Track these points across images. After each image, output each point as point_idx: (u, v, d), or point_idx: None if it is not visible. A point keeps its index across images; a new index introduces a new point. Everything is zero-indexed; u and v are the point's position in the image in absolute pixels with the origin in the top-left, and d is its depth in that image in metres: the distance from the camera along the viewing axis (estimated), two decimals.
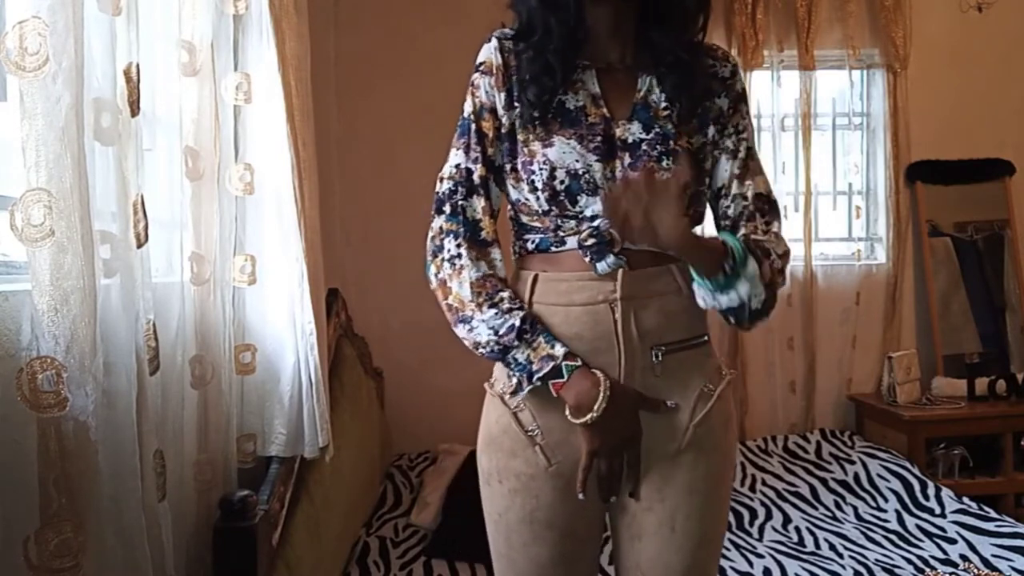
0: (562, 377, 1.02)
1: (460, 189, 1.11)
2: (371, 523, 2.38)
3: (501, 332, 1.04)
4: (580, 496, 1.06)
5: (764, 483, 2.79)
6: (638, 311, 1.07)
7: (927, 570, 2.06)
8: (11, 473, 0.89)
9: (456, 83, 3.18)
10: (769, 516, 2.52)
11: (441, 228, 1.11)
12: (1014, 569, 2.02)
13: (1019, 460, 3.02)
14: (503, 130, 1.12)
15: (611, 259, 1.06)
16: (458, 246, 1.09)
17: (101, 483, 0.97)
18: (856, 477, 2.77)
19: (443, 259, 1.10)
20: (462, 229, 1.09)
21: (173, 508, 1.22)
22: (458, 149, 1.13)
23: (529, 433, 1.09)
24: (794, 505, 2.61)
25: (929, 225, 3.38)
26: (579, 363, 1.03)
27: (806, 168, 3.29)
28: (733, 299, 1.03)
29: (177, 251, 1.35)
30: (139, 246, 1.10)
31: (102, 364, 0.98)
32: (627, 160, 1.06)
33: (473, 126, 1.12)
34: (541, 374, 1.03)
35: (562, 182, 1.06)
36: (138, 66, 1.11)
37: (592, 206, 1.06)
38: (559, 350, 1.03)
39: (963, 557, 2.15)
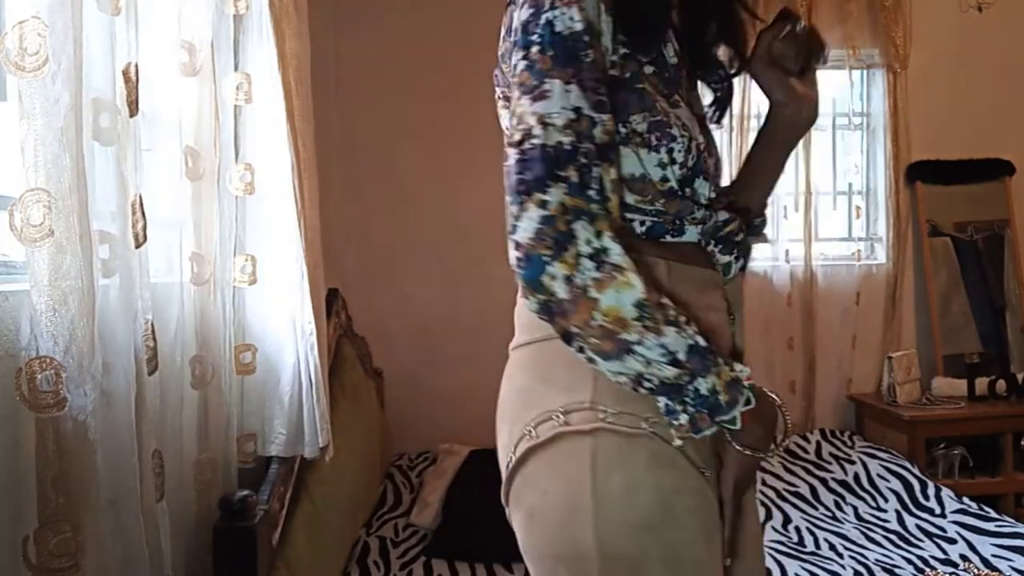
0: (750, 403, 0.77)
1: (587, 146, 0.74)
2: (371, 523, 2.38)
3: (682, 356, 0.73)
4: (728, 562, 0.83)
5: (764, 483, 2.78)
6: (736, 326, 0.89)
7: (927, 570, 2.05)
8: (9, 473, 0.89)
9: (457, 83, 3.19)
10: (769, 516, 2.52)
11: (563, 206, 0.72)
12: (1014, 569, 2.01)
13: (1019, 460, 3.02)
14: (608, 71, 0.78)
15: (741, 260, 0.89)
16: (598, 234, 0.72)
17: (99, 483, 0.97)
18: (856, 477, 2.77)
19: (578, 254, 0.71)
20: (601, 211, 0.74)
21: (173, 508, 1.22)
22: (568, 83, 0.73)
23: (701, 470, 0.80)
24: (794, 505, 2.61)
25: (929, 225, 3.38)
26: (753, 383, 0.78)
27: (806, 168, 3.29)
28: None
29: (177, 251, 1.35)
30: (138, 246, 1.10)
31: (100, 364, 0.98)
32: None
33: (588, 54, 0.74)
34: (740, 406, 0.75)
35: (694, 157, 0.82)
36: (137, 66, 1.11)
37: (704, 191, 0.85)
38: (740, 369, 0.77)
39: (963, 557, 2.15)
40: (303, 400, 1.58)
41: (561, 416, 0.79)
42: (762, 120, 0.95)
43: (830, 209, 3.43)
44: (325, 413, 1.62)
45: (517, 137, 0.74)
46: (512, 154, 0.74)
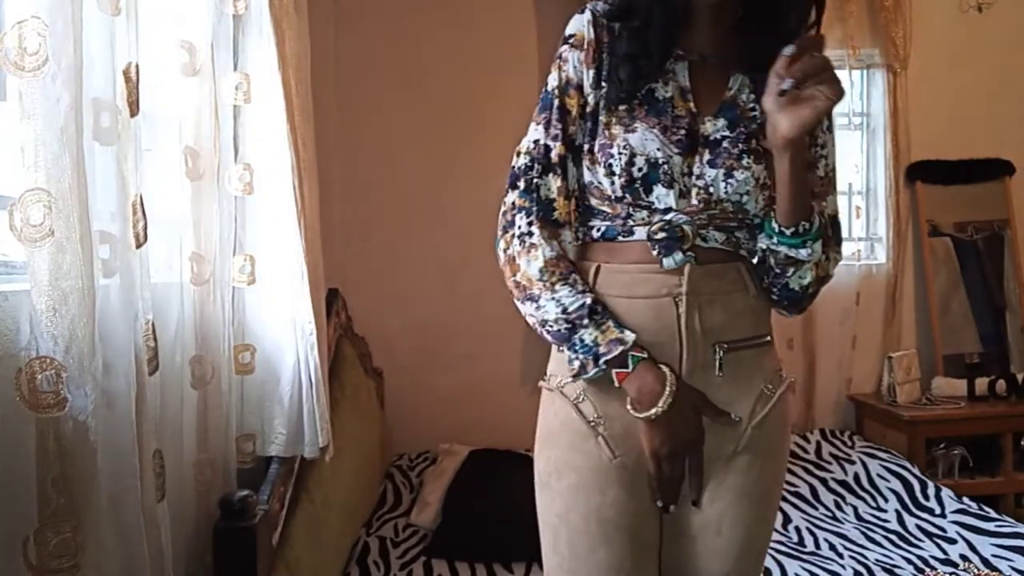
0: (627, 367, 1.00)
1: (536, 165, 1.08)
2: (371, 523, 2.38)
3: (571, 310, 1.01)
4: (659, 503, 1.04)
5: None
6: (703, 307, 1.04)
7: (927, 570, 2.06)
8: (10, 473, 0.89)
9: (457, 83, 3.17)
10: None
11: (514, 204, 1.08)
12: (1014, 569, 2.02)
13: (1019, 460, 3.02)
14: (588, 108, 1.08)
15: (679, 256, 1.03)
16: (529, 224, 1.06)
17: (100, 483, 0.97)
18: (856, 477, 2.77)
19: (513, 235, 1.07)
20: (535, 207, 1.06)
21: (173, 508, 1.23)
22: (538, 124, 1.10)
23: (591, 423, 1.05)
24: (794, 505, 2.61)
25: (929, 225, 3.38)
26: (645, 355, 1.00)
27: None
28: (782, 252, 1.07)
29: (177, 251, 1.35)
30: (138, 246, 1.11)
31: (101, 364, 0.98)
32: (706, 156, 1.04)
33: (556, 101, 1.08)
34: (608, 357, 1.00)
35: (640, 169, 1.03)
36: (137, 66, 1.11)
37: (665, 199, 1.03)
38: (629, 336, 1.00)
39: (963, 557, 2.15)
40: (303, 400, 1.58)
41: (544, 380, 1.14)
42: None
43: None
44: (325, 413, 1.62)
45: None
46: None
